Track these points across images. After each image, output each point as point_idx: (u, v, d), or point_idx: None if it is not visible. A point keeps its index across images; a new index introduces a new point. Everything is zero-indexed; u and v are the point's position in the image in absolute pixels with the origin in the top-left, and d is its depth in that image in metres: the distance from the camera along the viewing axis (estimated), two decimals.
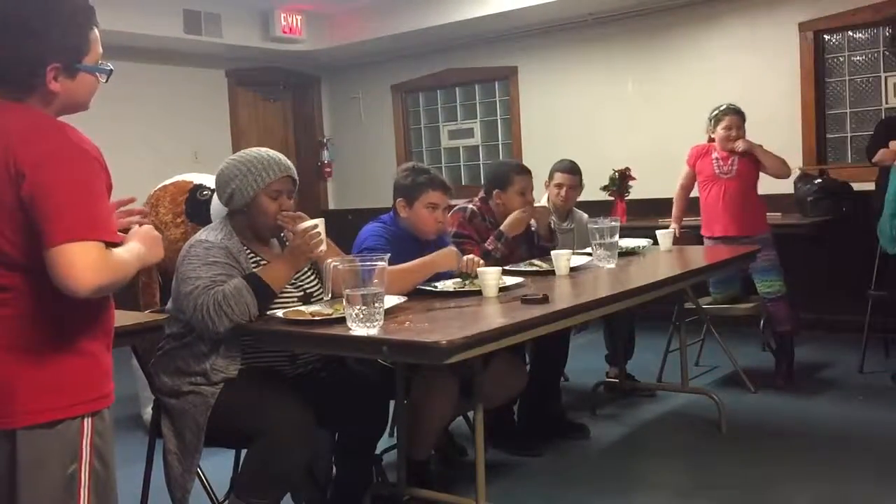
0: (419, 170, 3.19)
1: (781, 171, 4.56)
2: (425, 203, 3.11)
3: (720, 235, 4.53)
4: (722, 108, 4.58)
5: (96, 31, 1.71)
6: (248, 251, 2.60)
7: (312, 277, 2.75)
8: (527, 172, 3.80)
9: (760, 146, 4.52)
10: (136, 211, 1.95)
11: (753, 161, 4.52)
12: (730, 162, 4.53)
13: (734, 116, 4.54)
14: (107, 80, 1.73)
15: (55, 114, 1.67)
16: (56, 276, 1.55)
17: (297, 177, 2.67)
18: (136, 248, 1.75)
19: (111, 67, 1.73)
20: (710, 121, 4.60)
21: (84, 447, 1.64)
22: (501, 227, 3.60)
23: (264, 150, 2.65)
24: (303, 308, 2.55)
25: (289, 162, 2.66)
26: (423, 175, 3.15)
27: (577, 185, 4.29)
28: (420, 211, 3.12)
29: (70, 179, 1.57)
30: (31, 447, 1.60)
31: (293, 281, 2.66)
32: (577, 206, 4.47)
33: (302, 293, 2.67)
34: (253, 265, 2.57)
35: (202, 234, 2.61)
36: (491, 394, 3.03)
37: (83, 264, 1.54)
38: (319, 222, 2.58)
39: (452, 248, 3.14)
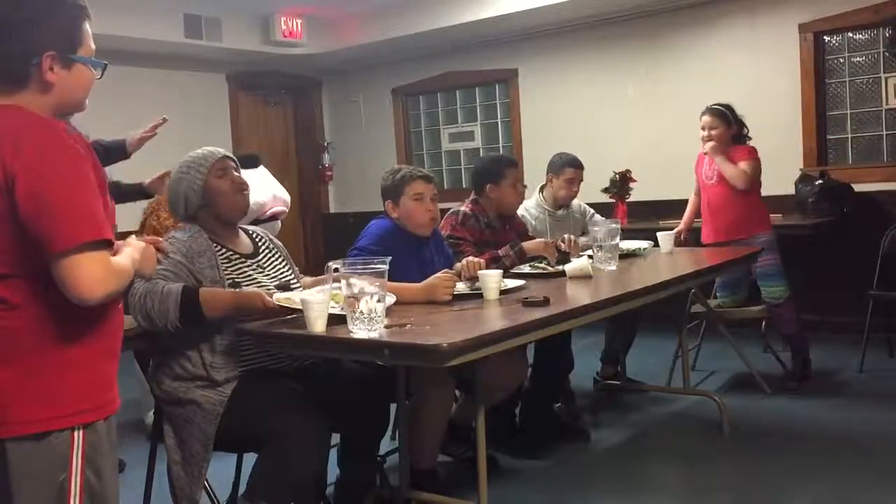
0: (397, 168, 3.28)
1: (736, 181, 4.25)
2: (410, 195, 3.15)
3: (706, 242, 4.41)
4: (703, 109, 4.46)
5: (88, 25, 1.70)
6: (217, 246, 2.61)
7: (286, 269, 2.80)
8: (516, 165, 3.91)
9: (720, 153, 4.31)
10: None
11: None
12: (713, 167, 4.39)
13: (706, 117, 4.40)
14: (101, 76, 1.73)
15: (52, 113, 1.65)
16: (66, 286, 1.54)
17: (234, 156, 2.75)
18: (131, 254, 1.76)
19: (105, 62, 1.73)
20: None
21: (74, 459, 1.61)
22: (524, 244, 3.61)
23: (196, 150, 2.74)
24: (292, 295, 2.51)
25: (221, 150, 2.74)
26: (401, 171, 3.23)
27: (582, 178, 4.30)
28: (408, 204, 3.16)
29: (64, 181, 1.55)
30: (20, 458, 1.59)
31: (270, 273, 2.70)
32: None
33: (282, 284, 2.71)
34: (223, 260, 2.59)
35: (170, 233, 2.65)
36: (492, 383, 3.00)
37: (91, 274, 1.55)
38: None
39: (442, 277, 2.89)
